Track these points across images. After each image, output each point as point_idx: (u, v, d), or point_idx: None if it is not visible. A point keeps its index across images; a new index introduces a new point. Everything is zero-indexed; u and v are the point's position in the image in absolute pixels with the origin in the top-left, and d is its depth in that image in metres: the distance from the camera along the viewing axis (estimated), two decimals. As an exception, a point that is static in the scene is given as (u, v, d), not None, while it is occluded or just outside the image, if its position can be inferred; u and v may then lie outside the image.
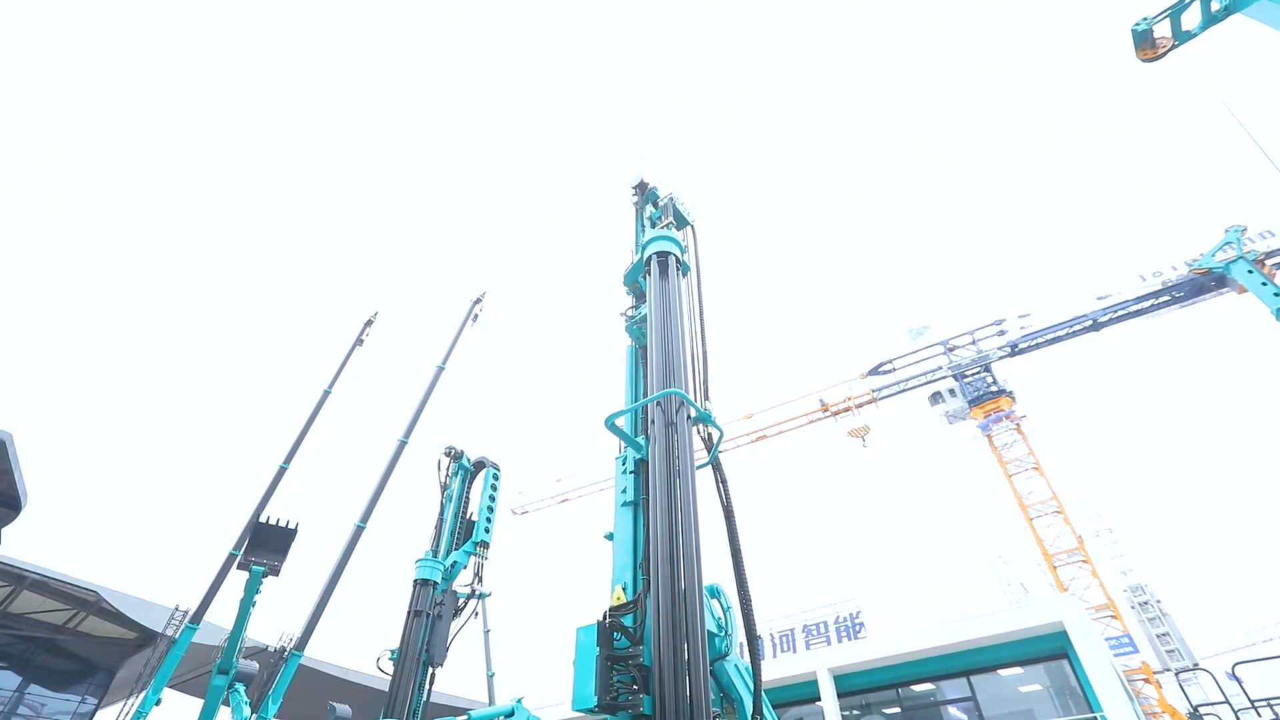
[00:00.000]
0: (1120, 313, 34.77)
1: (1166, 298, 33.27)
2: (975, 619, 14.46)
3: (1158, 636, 35.31)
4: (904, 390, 40.18)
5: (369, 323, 26.45)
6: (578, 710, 4.03)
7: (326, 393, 22.77)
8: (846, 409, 40.22)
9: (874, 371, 40.77)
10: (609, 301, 6.86)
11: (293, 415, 22.01)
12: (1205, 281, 29.99)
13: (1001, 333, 38.20)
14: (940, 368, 39.56)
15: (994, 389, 38.64)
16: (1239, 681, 5.35)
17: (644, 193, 6.75)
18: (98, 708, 32.55)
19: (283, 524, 13.57)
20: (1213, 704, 6.80)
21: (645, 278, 5.67)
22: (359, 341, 25.60)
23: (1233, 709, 5.72)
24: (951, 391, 39.18)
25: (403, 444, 20.51)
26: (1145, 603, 36.68)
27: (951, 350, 39.87)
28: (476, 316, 26.20)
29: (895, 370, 40.42)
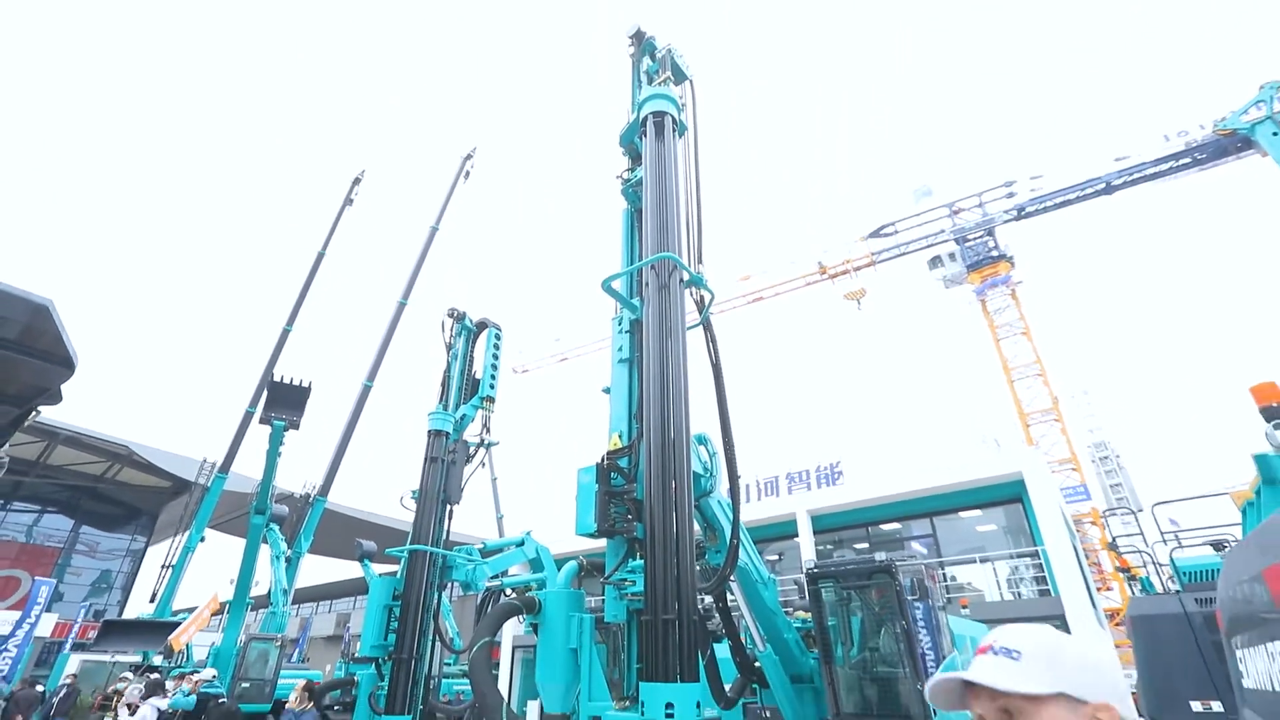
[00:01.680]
0: (1135, 175, 33.55)
1: (1187, 160, 31.92)
2: (942, 468, 15.73)
3: (1111, 487, 38.53)
4: (904, 254, 39.79)
5: (356, 181, 25.57)
6: (580, 534, 4.66)
7: (320, 255, 22.65)
8: (844, 272, 40.08)
9: (875, 234, 40.09)
10: (607, 162, 6.75)
11: (294, 278, 22.06)
12: (1229, 143, 28.64)
13: (1010, 195, 37.09)
14: (943, 231, 38.89)
15: (994, 253, 38.32)
16: (1156, 519, 6.15)
17: (641, 43, 6.34)
18: (147, 545, 36.19)
19: (296, 383, 14.21)
20: (1130, 536, 7.81)
21: (641, 139, 5.55)
22: (348, 201, 24.94)
23: (1145, 540, 6.63)
24: (951, 256, 38.90)
25: (402, 305, 20.85)
26: (1105, 457, 39.49)
27: (956, 213, 38.96)
28: (468, 174, 25.29)
29: (897, 233, 39.75)
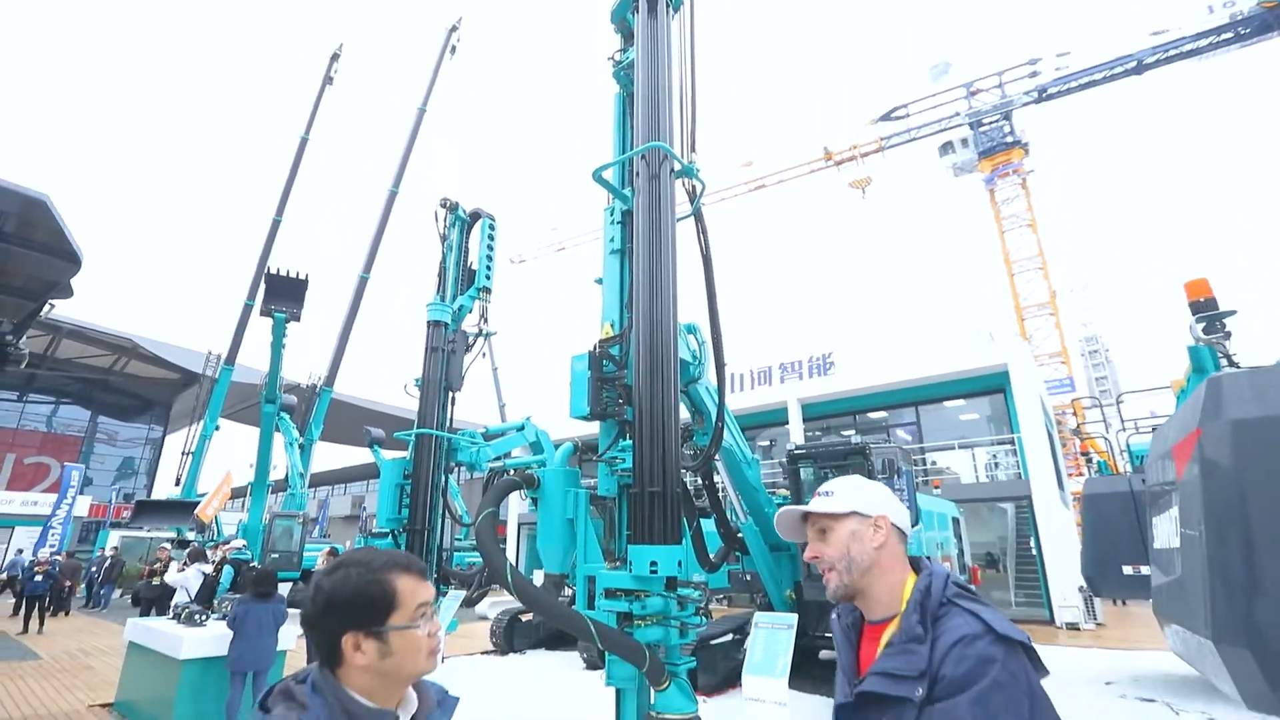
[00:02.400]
0: (1171, 53, 31.52)
1: (1229, 34, 29.88)
2: (930, 359, 16.12)
3: (1097, 379, 39.65)
4: (914, 139, 38.20)
5: (335, 57, 23.95)
6: (574, 417, 4.97)
7: (304, 140, 21.72)
8: (851, 158, 38.62)
9: (885, 117, 38.22)
10: (604, 41, 6.38)
11: (283, 167, 21.31)
12: (1273, 17, 26.64)
13: (1034, 74, 35.01)
14: (957, 114, 37.12)
15: (1009, 139, 36.81)
16: (1119, 409, 6.50)
17: (633, -100, 5.79)
18: (164, 434, 37.70)
19: (293, 275, 14.22)
20: (1093, 424, 8.25)
21: (633, 15, 5.23)
22: (328, 80, 23.52)
23: (1107, 427, 7.07)
24: (964, 142, 37.43)
25: (393, 194, 20.35)
26: (1095, 351, 40.31)
27: (974, 94, 36.95)
28: (454, 48, 23.65)
29: (909, 116, 37.93)
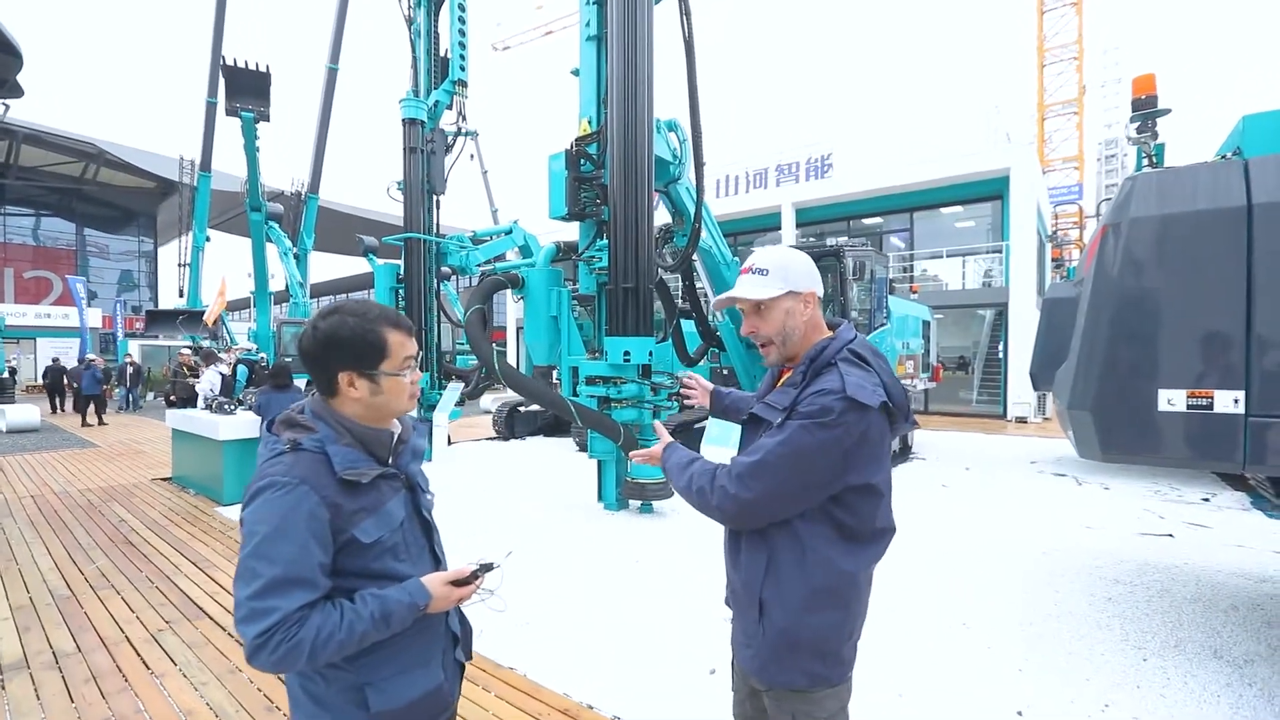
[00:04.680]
0: None
1: None
2: (929, 163, 15.50)
3: (1107, 186, 38.25)
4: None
5: None
6: (553, 218, 5.06)
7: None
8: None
9: None
10: None
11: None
12: None
13: None
14: None
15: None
16: (1099, 213, 6.51)
17: None
18: (156, 247, 37.28)
19: (254, 67, 13.08)
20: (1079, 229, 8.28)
21: None
22: None
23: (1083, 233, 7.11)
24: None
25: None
26: (1112, 155, 38.32)
27: None
28: None
29: None
